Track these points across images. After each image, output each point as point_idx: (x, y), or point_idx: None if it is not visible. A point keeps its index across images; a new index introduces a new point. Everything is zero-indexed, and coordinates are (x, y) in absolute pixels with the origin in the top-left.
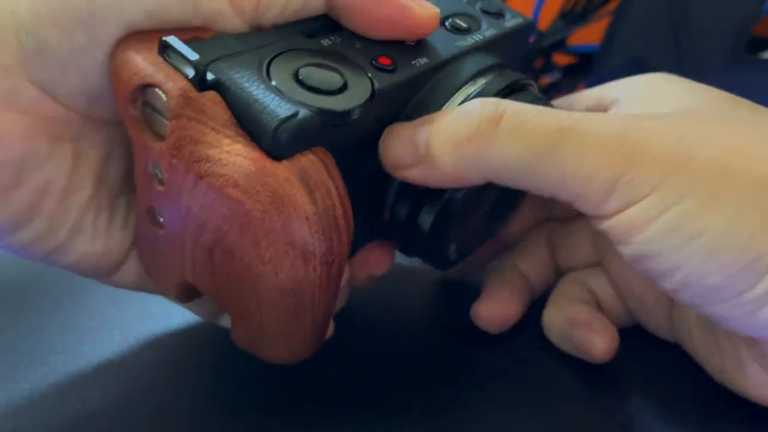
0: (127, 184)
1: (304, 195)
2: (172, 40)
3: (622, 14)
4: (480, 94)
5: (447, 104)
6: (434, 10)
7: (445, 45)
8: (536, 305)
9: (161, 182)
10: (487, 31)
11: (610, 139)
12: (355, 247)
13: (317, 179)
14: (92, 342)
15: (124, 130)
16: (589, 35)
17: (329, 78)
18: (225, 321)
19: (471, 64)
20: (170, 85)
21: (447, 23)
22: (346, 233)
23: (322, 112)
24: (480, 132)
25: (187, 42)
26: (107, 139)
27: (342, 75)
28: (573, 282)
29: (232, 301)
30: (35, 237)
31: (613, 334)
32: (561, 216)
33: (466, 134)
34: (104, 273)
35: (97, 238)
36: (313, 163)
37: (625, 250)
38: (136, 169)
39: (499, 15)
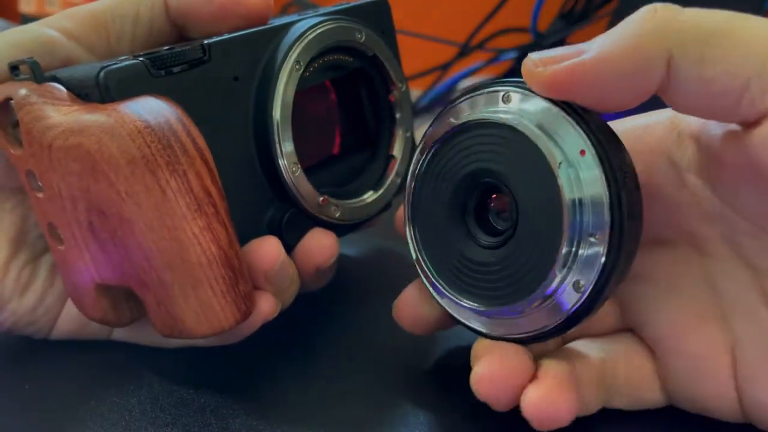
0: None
1: (132, 115)
2: (16, 60)
3: (622, 14)
4: (316, 37)
5: (290, 52)
6: None
7: (288, 20)
8: None
9: (40, 187)
10: (332, 8)
11: None
12: (281, 226)
13: (148, 105)
14: (90, 342)
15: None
16: (589, 35)
17: (161, 48)
18: (175, 341)
19: (309, 21)
20: (16, 89)
21: (298, 16)
22: (193, 145)
23: (146, 59)
24: (665, 8)
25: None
26: (19, 207)
27: (174, 46)
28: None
29: (132, 274)
30: None
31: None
32: None
33: (652, 9)
34: (44, 326)
35: (24, 293)
36: (142, 98)
37: None
38: (27, 191)
39: (348, 3)
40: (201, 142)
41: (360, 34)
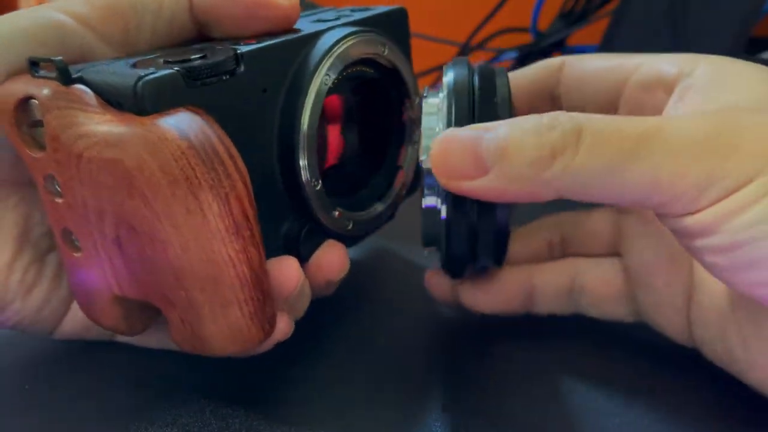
0: (55, 242)
1: (174, 133)
2: (37, 56)
3: (622, 14)
4: (345, 51)
5: (320, 67)
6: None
7: (312, 27)
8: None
9: (59, 194)
10: (357, 17)
11: (698, 136)
12: (297, 243)
13: (188, 122)
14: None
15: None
16: (589, 35)
17: (191, 53)
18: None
19: (337, 32)
20: (39, 89)
21: (318, 21)
22: (235, 168)
23: (182, 69)
24: (564, 147)
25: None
26: (23, 203)
27: (204, 52)
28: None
29: (157, 290)
30: None
31: None
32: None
33: (549, 152)
34: (48, 326)
35: (28, 294)
36: (180, 111)
37: (708, 242)
38: (41, 196)
39: (367, 9)
40: (240, 163)
41: (384, 47)
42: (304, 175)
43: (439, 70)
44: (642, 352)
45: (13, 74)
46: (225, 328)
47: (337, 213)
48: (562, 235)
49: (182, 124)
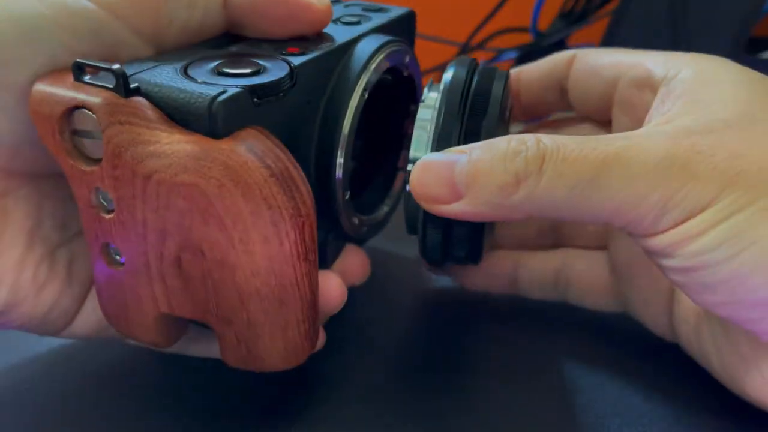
0: (66, 235)
1: (255, 161)
2: (85, 59)
3: (622, 14)
4: (381, 62)
5: (360, 79)
6: (326, 2)
7: (342, 34)
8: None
9: (108, 209)
10: (376, 20)
11: (657, 162)
12: (325, 252)
13: (263, 147)
14: (90, 342)
15: (54, 181)
16: (589, 35)
17: (247, 65)
18: (194, 349)
19: (371, 42)
20: (95, 99)
21: (337, 22)
22: (308, 195)
23: (249, 88)
24: (527, 174)
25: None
26: (34, 194)
27: (258, 63)
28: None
29: (214, 310)
30: None
31: None
32: None
33: (513, 178)
34: (58, 326)
35: (40, 293)
36: (252, 135)
37: (669, 263)
38: (80, 207)
39: (381, 10)
40: (309, 187)
41: (407, 56)
42: (338, 185)
43: (438, 70)
44: (642, 349)
45: (41, 72)
46: (281, 346)
47: (357, 221)
48: (552, 223)
49: (258, 149)
